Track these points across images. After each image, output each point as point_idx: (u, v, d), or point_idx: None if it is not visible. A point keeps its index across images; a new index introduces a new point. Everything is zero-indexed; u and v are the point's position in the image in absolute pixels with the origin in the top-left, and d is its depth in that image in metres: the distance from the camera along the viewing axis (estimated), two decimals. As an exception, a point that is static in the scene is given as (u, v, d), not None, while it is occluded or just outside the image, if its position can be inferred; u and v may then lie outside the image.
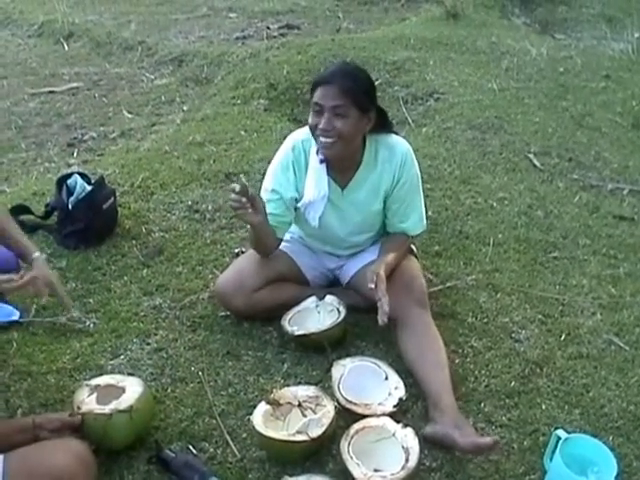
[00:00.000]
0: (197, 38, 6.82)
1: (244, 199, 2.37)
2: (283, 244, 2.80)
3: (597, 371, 2.65)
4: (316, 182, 2.59)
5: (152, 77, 5.89)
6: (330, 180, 2.60)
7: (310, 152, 2.61)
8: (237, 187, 2.35)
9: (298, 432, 2.11)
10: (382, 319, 2.41)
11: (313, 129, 2.48)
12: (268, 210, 2.54)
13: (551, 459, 2.15)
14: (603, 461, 2.11)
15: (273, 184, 2.65)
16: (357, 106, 2.43)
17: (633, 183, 4.17)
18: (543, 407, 2.46)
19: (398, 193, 2.67)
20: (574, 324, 2.90)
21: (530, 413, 2.43)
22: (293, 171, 2.63)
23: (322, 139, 2.45)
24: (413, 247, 2.89)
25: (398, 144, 2.65)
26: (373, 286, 2.46)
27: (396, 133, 2.73)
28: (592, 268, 3.30)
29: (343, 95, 2.39)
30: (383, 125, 2.63)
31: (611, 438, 2.33)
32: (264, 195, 2.62)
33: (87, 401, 2.15)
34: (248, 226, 2.68)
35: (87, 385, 2.23)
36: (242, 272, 2.71)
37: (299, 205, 2.68)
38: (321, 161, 2.56)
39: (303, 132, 2.64)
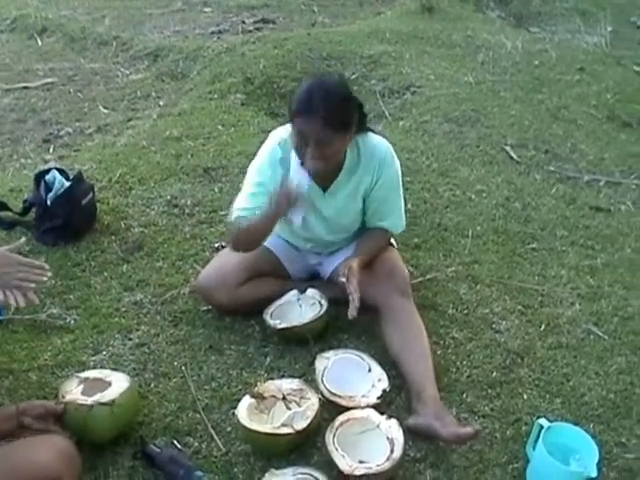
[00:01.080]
0: (172, 33, 6.76)
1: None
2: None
3: (577, 360, 2.69)
4: (297, 184, 2.50)
5: (127, 72, 5.83)
6: (312, 183, 2.55)
7: (292, 152, 2.55)
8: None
9: (283, 425, 2.11)
10: (351, 313, 2.44)
11: (298, 151, 2.44)
12: (254, 204, 2.54)
13: (534, 448, 2.18)
14: (585, 449, 2.14)
15: (260, 177, 2.60)
16: (341, 131, 2.39)
17: (609, 175, 4.21)
18: (525, 397, 2.49)
19: (377, 193, 2.65)
20: (553, 314, 2.93)
21: (512, 403, 2.46)
22: (280, 167, 2.58)
23: (307, 163, 2.42)
24: (392, 240, 2.89)
25: (378, 145, 2.63)
26: (344, 279, 2.48)
27: (372, 130, 2.69)
28: (570, 259, 3.33)
29: (326, 127, 2.32)
30: (362, 125, 2.58)
31: (592, 426, 2.37)
32: (249, 189, 2.61)
33: (72, 391, 2.16)
34: (240, 223, 2.59)
35: (76, 377, 2.23)
36: (224, 267, 2.70)
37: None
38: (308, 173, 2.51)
39: (286, 130, 2.58)
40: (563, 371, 2.63)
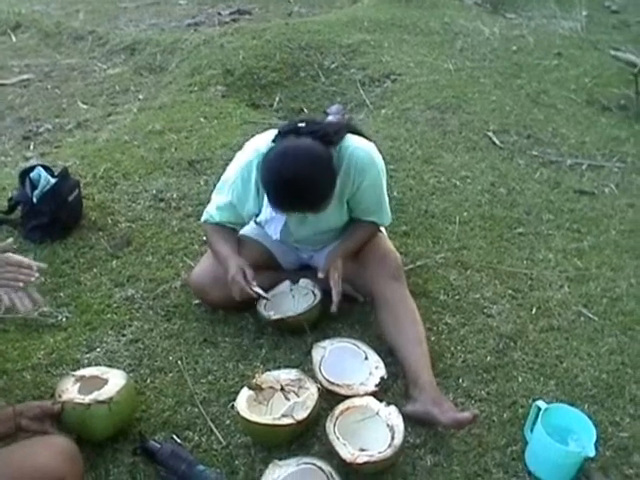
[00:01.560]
0: (148, 26, 6.71)
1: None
2: (253, 231, 2.80)
3: (569, 342, 2.72)
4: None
5: (105, 67, 5.77)
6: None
7: None
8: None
9: (284, 416, 2.11)
10: (333, 308, 2.50)
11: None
12: (220, 217, 2.63)
13: (532, 430, 2.20)
14: (582, 429, 2.17)
15: (230, 195, 2.58)
16: (327, 200, 2.37)
17: (591, 158, 4.25)
18: (519, 380, 2.51)
19: (362, 196, 2.58)
20: (544, 298, 2.96)
21: (507, 386, 2.48)
22: (256, 186, 2.51)
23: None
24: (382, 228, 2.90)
25: (355, 151, 2.49)
26: (322, 276, 2.53)
27: (351, 130, 2.61)
28: (557, 242, 3.36)
29: (310, 211, 2.39)
30: (335, 138, 2.46)
31: (586, 406, 2.40)
32: (219, 200, 2.63)
33: (69, 390, 2.14)
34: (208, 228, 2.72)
35: (72, 375, 2.22)
36: (217, 265, 2.64)
37: (258, 220, 2.69)
38: None
39: (265, 141, 2.49)
40: (556, 353, 2.65)
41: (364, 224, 2.72)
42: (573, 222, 3.54)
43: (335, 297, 2.48)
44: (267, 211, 2.57)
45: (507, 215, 3.56)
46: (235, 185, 2.56)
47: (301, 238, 2.74)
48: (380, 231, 2.85)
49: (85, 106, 5.02)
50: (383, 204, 2.68)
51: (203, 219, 2.71)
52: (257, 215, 2.66)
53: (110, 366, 2.39)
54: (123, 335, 2.63)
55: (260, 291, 2.51)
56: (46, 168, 3.18)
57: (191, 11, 7.25)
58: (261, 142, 2.52)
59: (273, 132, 2.49)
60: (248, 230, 2.82)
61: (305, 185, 2.25)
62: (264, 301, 2.66)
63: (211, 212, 2.66)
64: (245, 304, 2.67)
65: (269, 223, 2.63)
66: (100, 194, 3.50)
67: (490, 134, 4.38)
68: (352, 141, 2.51)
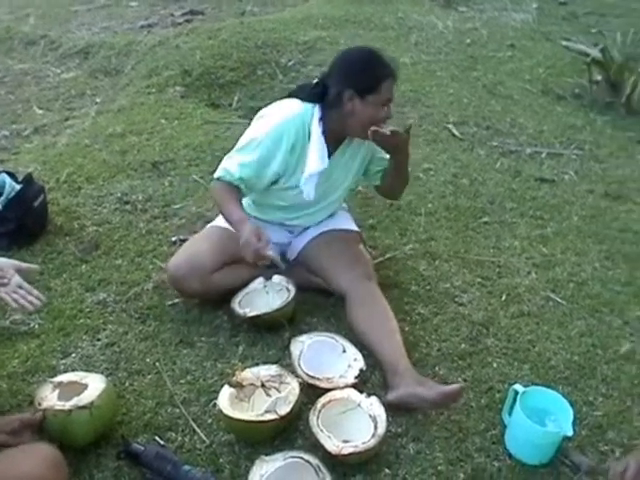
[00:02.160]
0: (100, 29, 6.65)
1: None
2: None
3: (539, 327, 2.77)
4: (319, 154, 2.54)
5: (58, 71, 5.70)
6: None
7: (312, 124, 2.55)
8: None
9: (267, 411, 2.12)
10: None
11: (372, 121, 2.48)
12: (240, 174, 2.54)
13: (509, 413, 2.24)
14: (559, 410, 2.22)
15: (259, 152, 2.54)
16: None
17: (549, 146, 4.33)
18: (494, 365, 2.56)
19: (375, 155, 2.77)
20: (512, 284, 3.01)
21: (483, 372, 2.52)
22: (289, 154, 2.55)
23: (382, 127, 2.48)
24: (355, 226, 2.95)
25: None
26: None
27: None
28: (521, 230, 3.43)
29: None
30: None
31: (560, 388, 2.45)
32: (243, 157, 2.56)
33: (49, 397, 2.12)
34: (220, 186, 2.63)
35: (50, 382, 2.18)
36: (195, 255, 2.65)
37: (286, 185, 2.66)
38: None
39: (298, 106, 2.57)
40: (528, 338, 2.70)
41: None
42: (536, 209, 3.61)
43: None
44: (311, 165, 2.55)
45: (471, 205, 3.61)
46: (264, 143, 2.53)
47: (303, 205, 2.75)
48: (357, 231, 2.93)
49: (41, 111, 4.95)
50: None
51: (217, 175, 2.59)
52: (279, 180, 2.63)
53: (87, 371, 2.36)
54: (98, 339, 2.60)
55: (274, 255, 2.46)
56: (10, 174, 3.13)
57: (143, 13, 7.20)
58: (293, 106, 2.58)
59: (294, 100, 2.61)
60: None
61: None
62: (238, 298, 2.67)
63: (230, 168, 2.57)
64: (221, 295, 2.70)
65: (307, 182, 2.59)
66: (65, 199, 3.46)
67: (450, 126, 4.44)
68: None
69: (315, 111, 2.55)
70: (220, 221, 2.82)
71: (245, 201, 2.77)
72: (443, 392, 2.22)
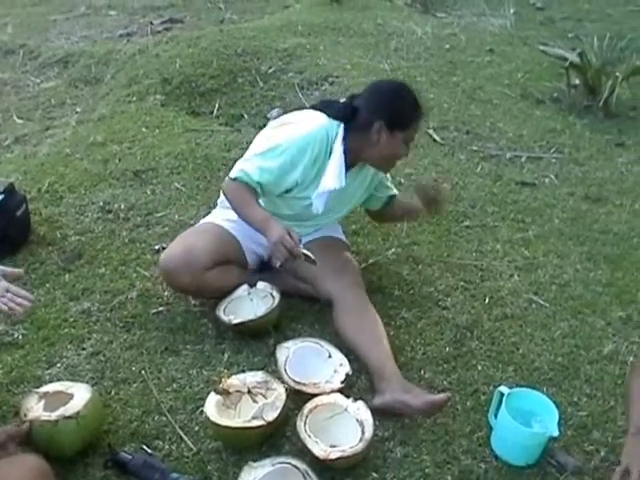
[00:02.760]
0: (79, 38, 6.61)
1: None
2: (230, 225, 2.78)
3: (523, 329, 2.80)
4: (337, 172, 2.55)
5: (38, 81, 5.67)
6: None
7: (335, 142, 2.56)
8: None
9: (254, 418, 2.12)
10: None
11: (392, 156, 2.63)
12: (258, 178, 2.54)
13: (495, 415, 2.26)
14: (544, 410, 2.24)
15: (282, 159, 2.54)
16: None
17: (529, 150, 4.36)
18: (479, 368, 2.58)
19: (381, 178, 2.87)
20: (495, 287, 3.04)
21: (468, 375, 2.54)
22: (312, 165, 2.57)
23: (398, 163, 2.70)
24: (343, 235, 2.99)
25: None
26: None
27: None
28: (503, 233, 3.45)
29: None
30: None
31: (545, 389, 2.47)
32: (264, 161, 2.55)
33: (34, 408, 2.11)
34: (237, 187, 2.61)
35: (36, 393, 2.18)
36: (190, 250, 2.62)
37: (300, 195, 2.66)
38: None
39: (325, 120, 2.59)
40: (511, 340, 2.73)
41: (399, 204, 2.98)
42: (517, 213, 3.64)
43: None
44: (328, 182, 2.56)
45: (453, 209, 3.63)
46: (289, 151, 2.53)
47: (308, 217, 2.77)
48: (344, 240, 2.97)
49: (21, 121, 4.92)
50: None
51: (235, 176, 2.57)
52: (294, 188, 2.63)
53: (72, 380, 2.35)
54: (83, 349, 2.59)
55: (308, 252, 2.45)
56: (-10, 184, 3.12)
57: (122, 22, 7.17)
58: (320, 119, 2.60)
59: (320, 113, 2.63)
60: (226, 223, 2.81)
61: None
62: (223, 306, 2.68)
63: (249, 171, 2.54)
64: (213, 294, 2.72)
65: (320, 197, 2.60)
66: (47, 208, 3.44)
67: (430, 131, 4.46)
68: None
69: (340, 130, 2.57)
70: (216, 217, 2.83)
71: None
72: (430, 400, 2.24)
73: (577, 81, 5.22)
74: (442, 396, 2.24)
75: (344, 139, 2.56)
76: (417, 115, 2.57)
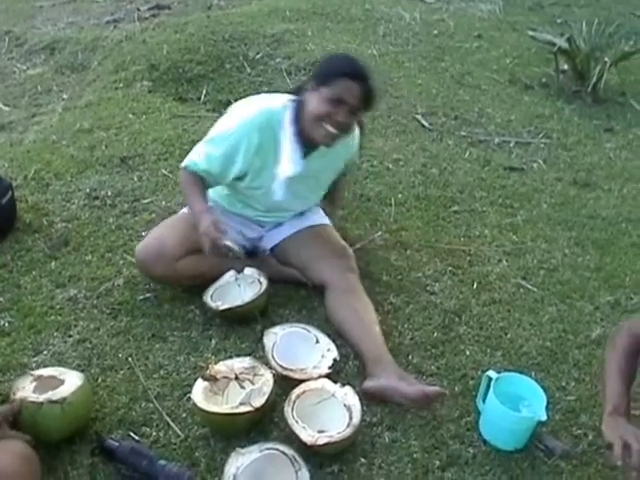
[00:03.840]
0: (66, 24, 6.53)
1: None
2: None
3: (511, 314, 2.80)
4: (290, 158, 2.52)
5: (24, 67, 5.61)
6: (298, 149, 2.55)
7: (283, 125, 2.51)
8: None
9: (241, 404, 2.11)
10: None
11: (322, 117, 2.39)
12: (205, 166, 2.54)
13: (484, 400, 2.26)
14: (532, 395, 2.24)
15: (226, 148, 2.52)
16: (369, 108, 2.48)
17: (517, 135, 4.36)
18: (467, 353, 2.58)
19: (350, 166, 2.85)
20: (483, 272, 3.04)
21: (456, 360, 2.54)
22: (256, 149, 2.51)
23: (330, 129, 2.40)
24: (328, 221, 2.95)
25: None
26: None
27: None
28: (492, 218, 3.45)
29: (364, 99, 2.40)
30: None
31: (533, 374, 2.48)
32: (210, 149, 2.55)
33: (25, 388, 2.11)
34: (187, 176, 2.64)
35: (30, 374, 2.18)
36: (163, 240, 2.64)
37: (256, 185, 2.63)
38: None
39: (276, 101, 2.55)
40: (499, 325, 2.73)
41: (340, 185, 2.95)
42: (505, 198, 3.64)
43: None
44: (290, 166, 2.53)
45: (441, 195, 3.63)
46: (230, 139, 2.51)
47: (274, 206, 2.74)
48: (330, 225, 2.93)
49: (7, 108, 4.87)
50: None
51: (185, 164, 2.60)
52: (244, 177, 2.61)
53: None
54: (69, 336, 2.57)
55: (231, 244, 2.44)
56: (-25, 172, 3.09)
57: (109, 8, 7.08)
58: (272, 102, 2.56)
59: (279, 95, 2.61)
60: None
61: (369, 68, 2.46)
62: (210, 292, 2.66)
63: (197, 160, 2.56)
64: (190, 281, 2.71)
65: (278, 183, 2.58)
66: (33, 195, 3.41)
67: (418, 117, 4.46)
68: None
69: (286, 113, 2.51)
70: None
71: (219, 192, 2.79)
72: (424, 391, 2.23)
73: (566, 66, 5.22)
74: (436, 389, 2.24)
75: (295, 122, 2.51)
76: (343, 71, 2.36)
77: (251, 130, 2.49)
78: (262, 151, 2.53)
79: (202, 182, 2.59)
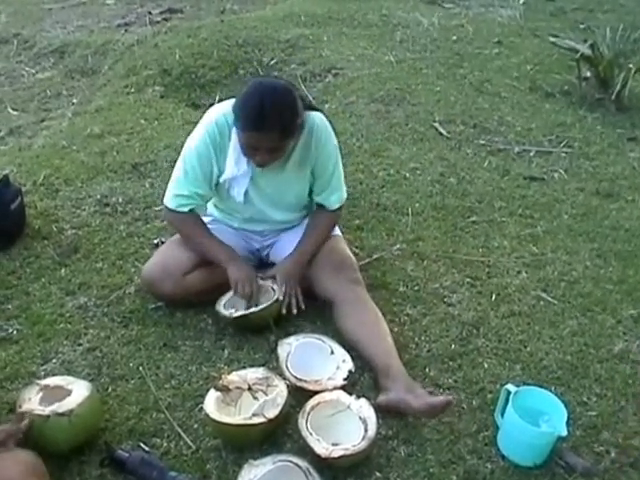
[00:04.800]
0: (76, 28, 6.51)
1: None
2: (212, 224, 2.76)
3: (531, 327, 2.73)
4: (236, 160, 2.52)
5: (33, 71, 5.58)
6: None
7: (231, 134, 2.51)
8: None
9: (254, 415, 2.07)
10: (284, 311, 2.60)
11: (245, 154, 2.45)
12: (188, 190, 2.58)
13: (502, 414, 2.20)
14: (552, 409, 2.18)
15: (190, 162, 2.57)
16: (292, 136, 2.43)
17: (538, 144, 4.28)
18: (485, 366, 2.52)
19: (322, 166, 2.67)
20: (502, 284, 2.97)
21: (474, 373, 2.48)
22: (214, 149, 2.53)
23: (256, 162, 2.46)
24: (337, 228, 2.89)
25: (316, 120, 2.58)
26: (281, 298, 2.58)
27: (313, 108, 2.67)
28: (511, 229, 3.38)
29: (280, 139, 2.37)
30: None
31: (553, 388, 2.41)
32: (180, 173, 2.60)
33: (31, 400, 2.07)
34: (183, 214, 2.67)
35: (37, 384, 2.14)
36: (167, 258, 2.64)
37: (221, 180, 2.60)
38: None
39: (225, 106, 2.53)
40: (519, 338, 2.66)
41: (321, 219, 2.76)
42: (525, 208, 3.56)
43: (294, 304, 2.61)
44: (228, 170, 2.54)
45: (459, 204, 3.56)
46: (198, 150, 2.54)
47: (259, 214, 2.72)
48: (336, 234, 2.86)
49: (16, 112, 4.85)
50: (340, 178, 2.78)
51: (172, 206, 2.64)
52: (219, 176, 2.59)
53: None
54: (79, 344, 2.53)
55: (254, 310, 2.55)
56: (-16, 177, 3.05)
57: (120, 11, 7.07)
58: (222, 107, 2.56)
59: (216, 107, 2.62)
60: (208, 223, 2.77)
61: (282, 102, 2.34)
62: (223, 301, 2.61)
63: (176, 191, 2.62)
64: (200, 297, 2.67)
65: (232, 184, 2.58)
66: (42, 201, 3.37)
67: (436, 125, 4.39)
68: (312, 113, 2.59)
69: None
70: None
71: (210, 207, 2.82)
72: (430, 403, 2.18)
73: (588, 73, 5.11)
74: (442, 398, 2.19)
75: None
76: (245, 128, 2.34)
77: (212, 133, 2.52)
78: (223, 152, 2.54)
79: (198, 216, 2.65)
